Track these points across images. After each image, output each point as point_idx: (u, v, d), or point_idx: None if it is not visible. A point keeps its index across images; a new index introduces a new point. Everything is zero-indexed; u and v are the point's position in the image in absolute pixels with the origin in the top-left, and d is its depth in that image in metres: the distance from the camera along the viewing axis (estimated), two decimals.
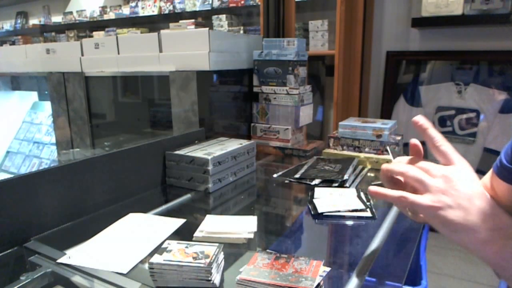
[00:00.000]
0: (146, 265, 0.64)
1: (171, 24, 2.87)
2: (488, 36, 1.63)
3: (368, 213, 0.85)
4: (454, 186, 0.46)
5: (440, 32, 1.73)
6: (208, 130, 1.32)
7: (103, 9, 3.55)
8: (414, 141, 0.52)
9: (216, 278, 0.58)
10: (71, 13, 3.82)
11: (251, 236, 0.74)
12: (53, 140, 1.90)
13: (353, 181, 1.09)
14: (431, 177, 0.48)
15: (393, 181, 0.56)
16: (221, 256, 0.62)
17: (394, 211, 0.88)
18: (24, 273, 0.67)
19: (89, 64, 1.61)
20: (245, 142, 1.19)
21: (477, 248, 0.44)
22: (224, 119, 1.44)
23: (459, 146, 1.58)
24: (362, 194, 0.96)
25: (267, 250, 0.72)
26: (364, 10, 1.79)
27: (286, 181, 1.13)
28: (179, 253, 0.59)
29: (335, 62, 1.76)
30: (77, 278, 0.65)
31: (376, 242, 0.74)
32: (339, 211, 0.87)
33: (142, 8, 3.20)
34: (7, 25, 4.46)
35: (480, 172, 0.69)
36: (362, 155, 1.25)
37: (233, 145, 1.15)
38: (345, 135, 1.31)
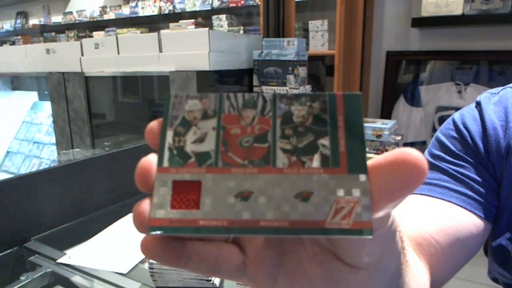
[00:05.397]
0: (146, 265, 0.64)
1: (171, 24, 2.86)
2: (488, 36, 1.63)
3: None
4: None
5: (440, 32, 1.73)
6: None
7: (103, 9, 3.55)
8: None
9: (216, 278, 0.58)
10: (71, 13, 3.82)
11: None
12: (53, 140, 1.90)
13: None
14: None
15: None
16: None
17: None
18: (24, 273, 0.67)
19: (89, 64, 1.61)
20: None
21: None
22: None
23: None
24: None
25: None
26: (364, 10, 1.79)
27: None
28: None
29: (335, 62, 1.76)
30: (77, 278, 0.65)
31: None
32: None
33: (142, 8, 3.20)
34: (7, 25, 4.46)
35: None
36: None
37: None
38: None
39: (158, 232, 0.17)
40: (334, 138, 0.18)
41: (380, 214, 0.17)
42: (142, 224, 0.17)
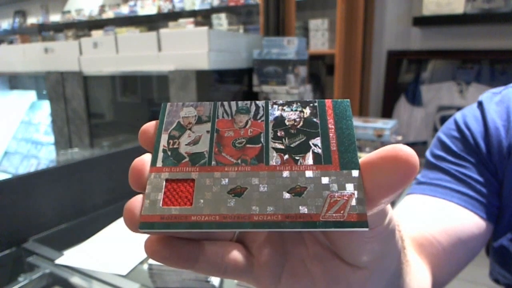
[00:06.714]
0: (146, 266, 0.63)
1: (170, 23, 2.85)
2: (490, 35, 1.62)
3: None
4: None
5: (442, 31, 1.73)
6: None
7: (102, 8, 3.54)
8: None
9: (215, 279, 0.58)
10: (69, 12, 3.81)
11: None
12: (52, 140, 1.89)
13: None
14: None
15: None
16: None
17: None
18: (22, 274, 0.66)
19: (87, 63, 1.61)
20: None
21: None
22: None
23: None
24: None
25: None
26: (364, 9, 1.78)
27: None
28: None
29: (336, 62, 1.76)
30: (75, 280, 0.64)
31: None
32: None
33: (141, 7, 3.19)
34: (5, 24, 4.45)
35: None
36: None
37: None
38: None
39: (149, 230, 0.17)
40: (326, 138, 0.18)
41: (374, 210, 0.17)
42: (132, 222, 0.17)
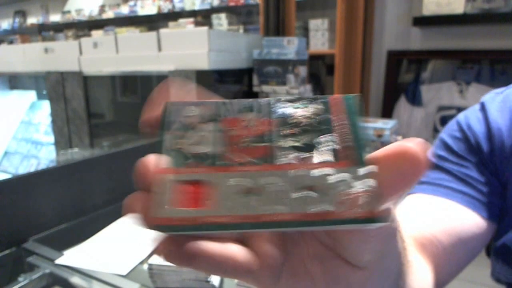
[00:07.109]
0: (145, 266, 0.63)
1: (170, 23, 2.85)
2: (490, 35, 1.62)
3: None
4: None
5: (442, 31, 1.73)
6: None
7: (102, 8, 3.54)
8: None
9: (215, 279, 0.58)
10: (69, 12, 3.81)
11: None
12: (52, 140, 1.89)
13: None
14: None
15: None
16: None
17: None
18: (22, 274, 0.66)
19: (87, 63, 1.61)
20: None
21: None
22: None
23: None
24: None
25: None
26: (364, 9, 1.78)
27: None
28: None
29: (336, 62, 1.76)
30: (75, 279, 0.64)
31: None
32: None
33: (141, 7, 3.19)
34: (5, 24, 4.45)
35: None
36: None
37: None
38: None
39: (159, 232, 0.17)
40: (335, 135, 0.18)
41: (385, 206, 0.17)
42: (143, 223, 0.17)
